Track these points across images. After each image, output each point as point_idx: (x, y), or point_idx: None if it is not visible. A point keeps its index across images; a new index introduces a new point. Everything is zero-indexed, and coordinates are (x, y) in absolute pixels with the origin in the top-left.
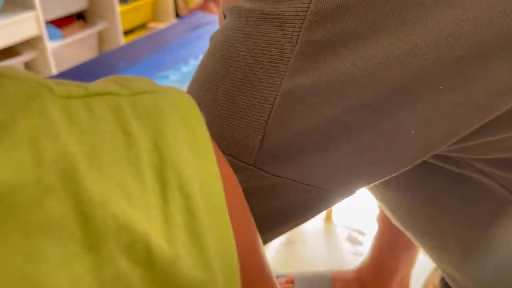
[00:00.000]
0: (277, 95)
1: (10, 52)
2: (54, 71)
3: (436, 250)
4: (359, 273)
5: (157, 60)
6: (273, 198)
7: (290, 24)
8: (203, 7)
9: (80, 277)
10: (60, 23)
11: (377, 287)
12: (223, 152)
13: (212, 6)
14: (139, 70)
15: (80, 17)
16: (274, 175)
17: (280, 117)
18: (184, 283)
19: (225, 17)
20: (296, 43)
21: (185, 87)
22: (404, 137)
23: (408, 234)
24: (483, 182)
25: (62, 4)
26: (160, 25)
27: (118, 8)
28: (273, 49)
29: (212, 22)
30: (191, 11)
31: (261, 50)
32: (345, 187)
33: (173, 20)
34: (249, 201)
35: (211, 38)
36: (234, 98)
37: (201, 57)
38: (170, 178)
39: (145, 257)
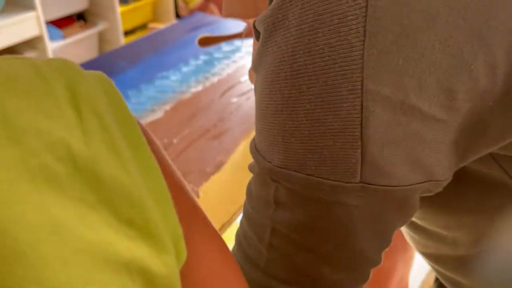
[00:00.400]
0: (361, 100)
1: (11, 52)
2: None
3: (446, 246)
4: None
5: (157, 60)
6: (393, 212)
7: (351, 17)
8: (203, 8)
9: (6, 160)
10: (61, 24)
11: None
12: (326, 179)
13: (212, 6)
14: (139, 70)
15: (80, 18)
16: (386, 186)
17: (374, 122)
18: (106, 182)
19: (256, 34)
20: (364, 35)
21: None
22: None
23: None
24: (501, 178)
25: (63, 4)
26: (160, 26)
27: (119, 9)
28: (340, 50)
29: (212, 22)
30: (191, 12)
31: (328, 55)
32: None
33: (173, 21)
34: (366, 226)
35: (256, 68)
36: (319, 117)
37: (201, 57)
38: (84, 106)
39: (67, 155)
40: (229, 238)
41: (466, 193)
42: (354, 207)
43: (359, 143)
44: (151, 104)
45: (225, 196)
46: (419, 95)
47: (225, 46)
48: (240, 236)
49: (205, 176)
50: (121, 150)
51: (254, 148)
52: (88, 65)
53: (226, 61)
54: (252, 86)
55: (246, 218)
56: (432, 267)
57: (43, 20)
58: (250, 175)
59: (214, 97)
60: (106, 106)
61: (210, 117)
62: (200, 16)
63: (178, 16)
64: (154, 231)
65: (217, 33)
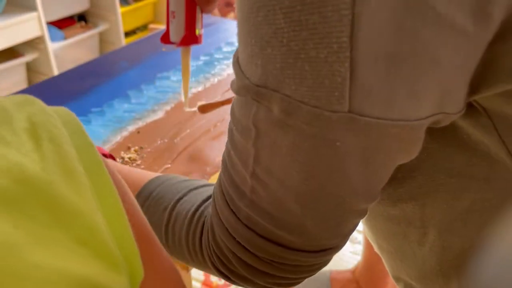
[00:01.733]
0: None
1: (12, 53)
2: (55, 71)
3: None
4: (354, 274)
5: (158, 61)
6: (391, 153)
7: None
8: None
9: None
10: (62, 24)
11: None
12: (306, 104)
13: None
14: (140, 71)
15: (81, 18)
16: (383, 119)
17: (368, 20)
18: (61, 203)
19: None
20: None
21: None
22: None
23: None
24: (492, 147)
25: (64, 5)
26: (161, 26)
27: (119, 9)
28: None
29: (212, 23)
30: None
31: None
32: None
33: None
34: (352, 166)
35: None
36: (299, 18)
37: (201, 58)
38: (43, 135)
39: (23, 177)
40: None
41: (452, 156)
42: (339, 144)
43: (348, 54)
44: (151, 104)
45: None
46: None
47: (225, 47)
48: (226, 160)
49: (205, 176)
50: (77, 175)
51: (236, 61)
52: (89, 66)
53: (226, 62)
54: None
55: (231, 140)
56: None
57: (44, 21)
58: None
59: (214, 97)
60: (65, 137)
61: (211, 118)
62: None
63: None
64: (106, 250)
65: (216, 34)
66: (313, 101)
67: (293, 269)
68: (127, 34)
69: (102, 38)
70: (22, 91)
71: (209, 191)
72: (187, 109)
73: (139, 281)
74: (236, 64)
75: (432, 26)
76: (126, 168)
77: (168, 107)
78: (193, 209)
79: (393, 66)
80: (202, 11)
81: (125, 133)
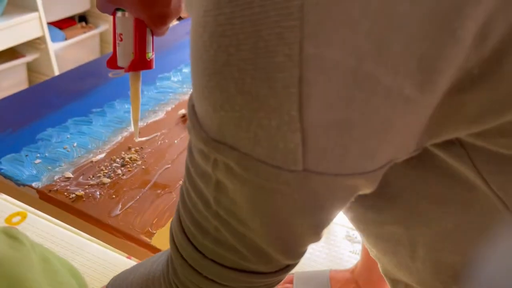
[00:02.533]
0: (300, 70)
1: (13, 53)
2: (56, 72)
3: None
4: (354, 273)
5: (158, 61)
6: (344, 196)
7: None
8: None
9: None
10: (62, 25)
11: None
12: (263, 162)
13: None
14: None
15: (82, 19)
16: (337, 174)
17: (317, 98)
18: None
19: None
20: None
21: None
22: None
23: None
24: (469, 174)
25: (64, 6)
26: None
27: None
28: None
29: None
30: (179, 17)
31: (259, 5)
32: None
33: (174, 22)
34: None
35: (187, 7)
36: (250, 90)
37: (184, 70)
38: None
39: None
40: None
41: (432, 182)
42: (297, 196)
43: (298, 125)
44: (152, 105)
45: None
46: (379, 62)
47: None
48: (185, 197)
49: None
50: None
51: (192, 109)
52: (89, 66)
53: None
54: None
55: (189, 180)
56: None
57: (45, 21)
58: None
59: None
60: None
61: None
62: None
63: (179, 18)
64: None
65: None
66: (270, 160)
67: None
68: None
69: (103, 39)
70: (23, 92)
71: (156, 256)
72: (137, 140)
73: None
74: (192, 112)
75: (381, 96)
76: None
77: (168, 108)
78: (146, 273)
79: (344, 131)
80: (153, 34)
81: (125, 134)
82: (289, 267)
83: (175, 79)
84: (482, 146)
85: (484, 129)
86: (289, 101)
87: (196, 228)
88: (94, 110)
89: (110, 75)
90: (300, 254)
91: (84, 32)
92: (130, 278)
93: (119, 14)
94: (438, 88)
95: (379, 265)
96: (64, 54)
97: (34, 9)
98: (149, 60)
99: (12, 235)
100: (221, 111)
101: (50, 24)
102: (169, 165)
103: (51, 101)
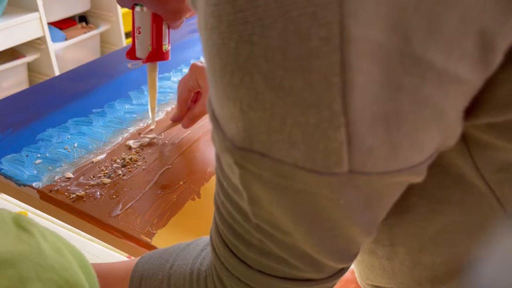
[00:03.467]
0: (341, 54)
1: (13, 53)
2: (56, 72)
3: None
4: (354, 274)
5: (158, 62)
6: (394, 193)
7: None
8: None
9: None
10: (63, 25)
11: None
12: (301, 168)
13: None
14: (140, 72)
15: (82, 19)
16: (384, 173)
17: (362, 87)
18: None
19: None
20: None
21: None
22: None
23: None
24: (473, 184)
25: (65, 6)
26: None
27: (120, 10)
28: None
29: None
30: (192, 14)
31: None
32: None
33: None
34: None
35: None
36: (282, 83)
37: (202, 58)
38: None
39: None
40: None
41: (424, 178)
42: (342, 202)
43: (342, 120)
44: None
45: None
46: (430, 41)
47: None
48: (221, 210)
49: (206, 176)
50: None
51: (213, 114)
52: (90, 66)
53: None
54: None
55: (224, 193)
56: None
57: (45, 22)
58: None
59: None
60: None
61: None
62: None
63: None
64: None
65: None
66: (308, 164)
67: None
68: (128, 34)
69: (103, 39)
70: (23, 92)
71: (196, 248)
72: (153, 126)
73: None
74: (213, 118)
75: (432, 81)
76: (105, 265)
77: (168, 108)
78: (188, 270)
79: (393, 124)
80: (169, 27)
81: (126, 134)
82: (342, 271)
83: (175, 79)
84: (486, 142)
85: (504, 119)
86: (330, 93)
87: (238, 241)
88: (94, 110)
89: (129, 65)
90: (353, 256)
91: (85, 33)
92: (166, 268)
93: (137, 8)
94: (492, 68)
95: (355, 273)
96: (65, 55)
97: (35, 9)
98: (165, 52)
99: (22, 226)
100: (249, 112)
101: (51, 24)
102: (169, 166)
103: (51, 101)
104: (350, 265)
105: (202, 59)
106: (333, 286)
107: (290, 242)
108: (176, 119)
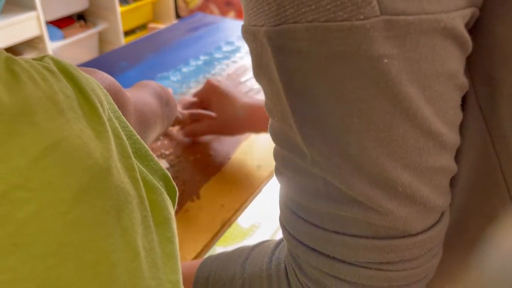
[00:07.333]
0: None
1: (11, 52)
2: None
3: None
4: None
5: (157, 61)
6: (448, 50)
7: None
8: (203, 8)
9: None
10: (61, 24)
11: None
12: (332, 20)
13: (212, 7)
14: (139, 71)
15: (80, 18)
16: (420, 14)
17: None
18: (116, 189)
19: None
20: None
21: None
22: None
23: None
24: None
25: (63, 4)
26: (161, 26)
27: (119, 9)
28: None
29: (212, 22)
30: (191, 12)
31: None
32: None
33: (174, 21)
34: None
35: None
36: None
37: (201, 57)
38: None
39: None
40: (229, 238)
41: None
42: (387, 61)
43: None
44: None
45: (225, 196)
46: None
47: (225, 46)
48: (284, 172)
49: (206, 176)
50: (132, 160)
51: (247, 24)
52: (88, 65)
53: (226, 61)
54: (252, 87)
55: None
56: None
57: (43, 20)
58: (249, 175)
59: None
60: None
61: None
62: (200, 16)
63: (178, 16)
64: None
65: (216, 34)
66: (339, 14)
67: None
68: (127, 33)
69: (102, 38)
70: None
71: (270, 245)
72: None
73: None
74: (248, 26)
75: None
76: None
77: None
78: (266, 260)
79: None
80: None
81: None
82: (443, 217)
83: (175, 79)
84: (501, 115)
85: None
86: None
87: (304, 195)
88: None
89: None
90: (440, 185)
91: (83, 31)
92: (239, 262)
93: None
94: None
95: None
96: (63, 53)
97: (33, 8)
98: None
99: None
100: None
101: (49, 23)
102: (169, 166)
103: None
104: (447, 205)
105: (202, 57)
106: (431, 247)
107: (356, 160)
108: (177, 120)
